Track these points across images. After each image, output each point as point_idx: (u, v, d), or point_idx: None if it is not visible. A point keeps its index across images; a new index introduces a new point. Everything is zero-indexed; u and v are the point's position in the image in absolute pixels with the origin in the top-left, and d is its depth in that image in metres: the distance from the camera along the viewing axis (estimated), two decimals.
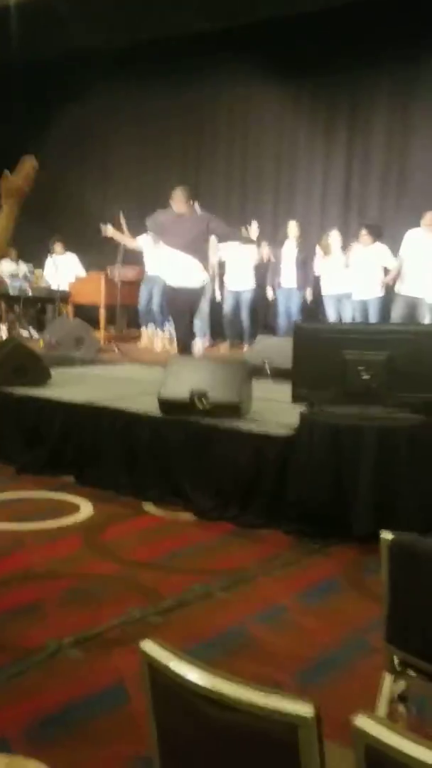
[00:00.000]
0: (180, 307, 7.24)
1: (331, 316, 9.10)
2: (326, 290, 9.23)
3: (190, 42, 10.46)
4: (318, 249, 9.25)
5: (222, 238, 7.36)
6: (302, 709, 1.22)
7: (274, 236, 10.02)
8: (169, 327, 9.27)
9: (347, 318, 8.90)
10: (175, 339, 7.63)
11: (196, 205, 9.27)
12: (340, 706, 2.52)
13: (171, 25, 10.18)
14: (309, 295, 9.39)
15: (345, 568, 3.74)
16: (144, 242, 9.70)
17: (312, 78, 10.21)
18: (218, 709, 1.28)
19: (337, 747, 1.49)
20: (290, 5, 9.56)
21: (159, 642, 1.41)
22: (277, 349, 6.77)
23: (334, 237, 9.15)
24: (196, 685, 1.31)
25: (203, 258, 7.15)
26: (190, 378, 4.86)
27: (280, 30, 9.90)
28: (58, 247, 10.72)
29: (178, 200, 7.04)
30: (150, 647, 1.41)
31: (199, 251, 7.01)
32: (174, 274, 7.12)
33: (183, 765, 1.40)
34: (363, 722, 1.19)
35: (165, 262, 7.32)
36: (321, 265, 9.21)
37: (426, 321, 8.19)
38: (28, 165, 2.54)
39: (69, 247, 10.91)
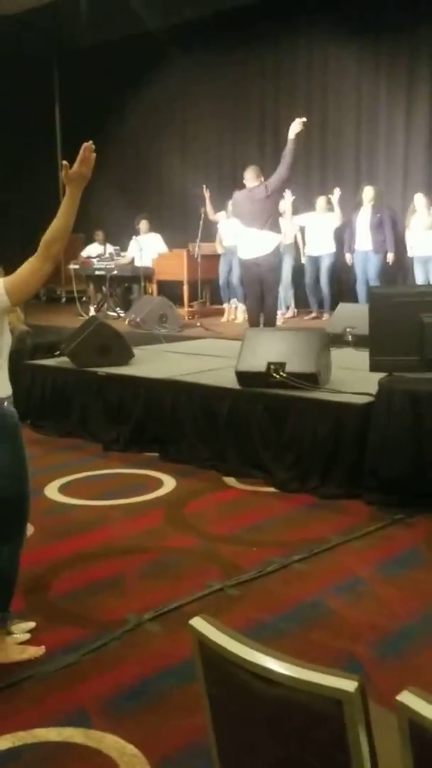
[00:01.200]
0: (251, 278, 7.34)
1: (419, 278, 8.87)
2: (413, 252, 9.00)
3: (262, 7, 10.27)
4: (409, 215, 9.05)
5: (278, 183, 7.23)
6: (345, 683, 1.21)
7: (354, 201, 9.81)
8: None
9: None
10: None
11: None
12: (419, 678, 2.50)
13: None
14: (390, 258, 9.18)
15: (427, 539, 3.66)
16: (221, 217, 9.80)
17: (390, 35, 9.85)
18: (265, 684, 1.28)
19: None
20: None
21: (209, 619, 1.41)
22: (359, 316, 6.63)
23: (419, 200, 8.92)
24: (243, 660, 1.31)
25: (275, 227, 7.19)
26: (267, 349, 4.84)
27: None
28: (143, 225, 10.80)
29: (248, 177, 7.22)
30: (200, 624, 1.42)
31: (270, 221, 7.08)
32: (246, 247, 7.23)
33: (235, 738, 1.41)
34: (406, 697, 1.16)
35: (240, 238, 7.45)
36: (409, 228, 9.02)
37: None
38: (84, 148, 2.59)
39: (152, 225, 10.98)
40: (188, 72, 11.69)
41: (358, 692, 1.19)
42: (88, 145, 2.59)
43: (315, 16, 10.23)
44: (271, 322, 7.33)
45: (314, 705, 1.22)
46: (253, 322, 7.39)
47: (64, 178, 2.59)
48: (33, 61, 12.34)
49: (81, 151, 2.58)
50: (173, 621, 2.96)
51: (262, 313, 7.37)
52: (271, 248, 7.10)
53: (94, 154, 2.60)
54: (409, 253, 9.07)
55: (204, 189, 9.65)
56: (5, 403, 2.62)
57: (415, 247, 8.95)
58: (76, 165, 2.59)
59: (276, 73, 11.15)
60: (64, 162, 2.62)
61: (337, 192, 9.53)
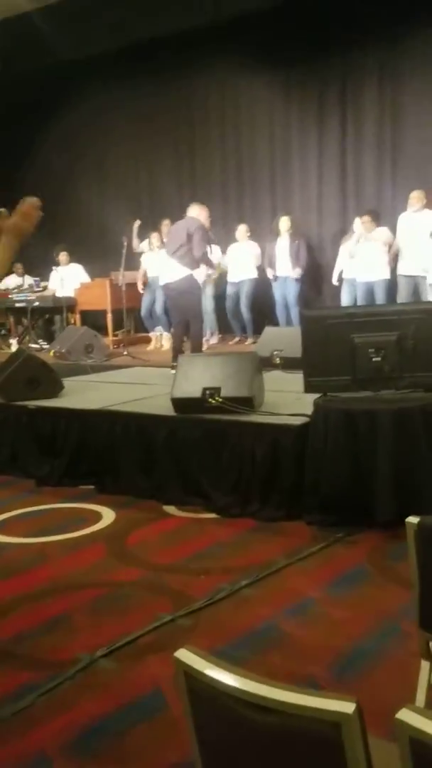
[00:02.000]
0: (171, 304, 7.59)
1: (345, 301, 9.09)
2: (345, 275, 9.23)
3: (175, 39, 10.42)
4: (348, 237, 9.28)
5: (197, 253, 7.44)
6: (343, 705, 1.20)
7: (271, 230, 10.01)
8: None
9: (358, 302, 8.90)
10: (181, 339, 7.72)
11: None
12: (379, 696, 2.52)
13: (155, 25, 10.13)
14: (297, 273, 9.42)
15: (370, 556, 3.71)
16: (144, 248, 9.89)
17: (300, 67, 10.14)
18: (258, 713, 1.26)
19: (382, 742, 1.47)
20: None
21: (193, 649, 1.39)
22: (285, 339, 6.74)
23: (355, 226, 9.18)
24: (234, 690, 1.29)
25: (190, 260, 7.27)
26: (201, 375, 4.85)
27: (264, 20, 9.82)
28: (63, 257, 10.72)
29: (190, 210, 7.44)
30: (185, 655, 1.39)
31: (184, 256, 7.21)
32: (163, 273, 7.46)
33: None
34: (405, 715, 1.16)
35: (163, 265, 7.61)
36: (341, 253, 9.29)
37: (429, 299, 8.21)
38: (28, 204, 2.52)
39: (73, 255, 10.90)
40: (103, 102, 11.73)
41: (356, 713, 1.18)
42: (34, 201, 2.51)
43: (227, 48, 10.44)
44: (196, 348, 7.39)
45: (312, 730, 1.21)
46: (177, 348, 7.45)
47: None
48: None
49: (25, 205, 2.49)
50: (127, 656, 2.89)
51: (186, 339, 7.45)
52: (180, 275, 7.24)
53: (39, 213, 2.52)
54: (336, 278, 9.29)
55: (134, 221, 9.72)
56: None
57: (344, 271, 9.19)
58: (15, 217, 2.49)
59: (190, 104, 11.31)
60: (2, 209, 2.52)
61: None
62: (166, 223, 10.00)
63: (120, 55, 10.86)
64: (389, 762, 1.27)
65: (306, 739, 1.23)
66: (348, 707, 1.19)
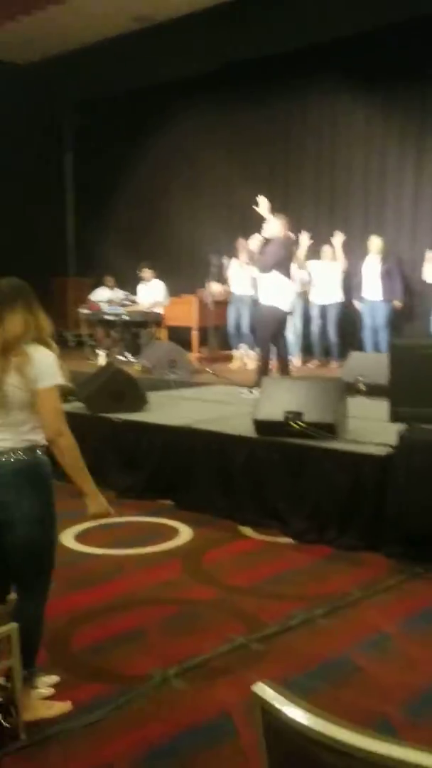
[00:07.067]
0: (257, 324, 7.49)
1: None
2: None
3: (275, 60, 10.49)
4: None
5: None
6: (426, 760, 1.17)
7: (362, 250, 9.90)
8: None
9: None
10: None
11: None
12: None
13: (256, 45, 10.23)
14: (397, 305, 9.21)
15: None
16: (233, 263, 9.89)
17: (401, 89, 10.04)
18: (338, 757, 1.25)
19: None
20: (376, 17, 9.42)
21: (271, 684, 1.38)
22: (370, 365, 6.66)
23: None
24: (311, 731, 1.28)
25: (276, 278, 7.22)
26: (285, 398, 4.83)
27: (367, 42, 9.78)
28: (146, 273, 10.88)
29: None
30: (262, 690, 1.38)
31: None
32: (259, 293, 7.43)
33: None
34: None
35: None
36: None
37: None
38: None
39: (163, 271, 11.04)
40: (200, 122, 11.89)
41: None
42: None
43: (326, 68, 10.42)
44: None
45: None
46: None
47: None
48: (47, 110, 12.55)
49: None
50: (198, 676, 2.90)
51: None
52: (270, 302, 7.23)
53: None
54: None
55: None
56: (40, 452, 2.61)
57: None
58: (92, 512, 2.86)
59: (286, 123, 11.31)
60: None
61: (339, 236, 9.57)
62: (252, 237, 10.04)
63: (217, 74, 10.99)
64: None
65: None
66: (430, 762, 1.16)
